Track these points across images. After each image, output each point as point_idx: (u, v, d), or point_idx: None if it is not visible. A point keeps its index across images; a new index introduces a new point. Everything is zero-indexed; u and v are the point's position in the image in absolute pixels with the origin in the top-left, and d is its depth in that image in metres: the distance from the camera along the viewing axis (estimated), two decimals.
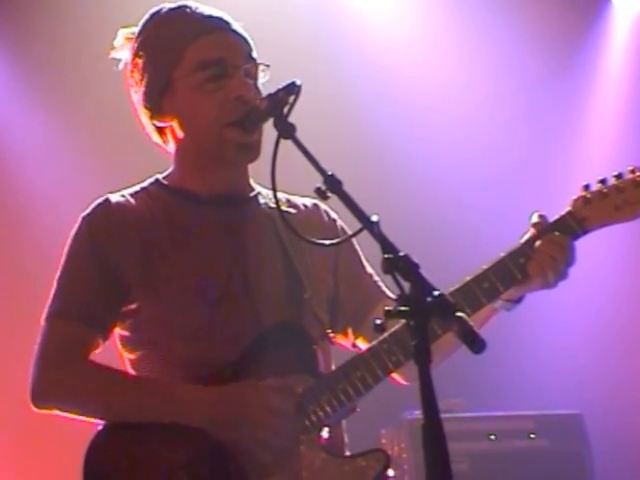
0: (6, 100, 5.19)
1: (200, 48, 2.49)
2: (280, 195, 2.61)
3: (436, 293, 1.87)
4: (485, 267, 2.39)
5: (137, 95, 2.58)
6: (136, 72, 2.56)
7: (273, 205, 2.38)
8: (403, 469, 4.48)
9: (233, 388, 2.40)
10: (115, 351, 2.58)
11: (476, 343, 1.86)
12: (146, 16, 2.60)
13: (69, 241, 2.56)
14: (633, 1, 5.75)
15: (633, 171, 2.37)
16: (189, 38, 2.50)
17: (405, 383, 2.63)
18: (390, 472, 2.43)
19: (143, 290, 2.48)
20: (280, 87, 2.27)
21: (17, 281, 4.98)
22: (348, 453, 2.52)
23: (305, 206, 2.66)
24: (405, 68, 5.50)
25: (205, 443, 2.37)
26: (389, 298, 2.54)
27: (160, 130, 2.59)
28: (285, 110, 2.23)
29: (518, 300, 2.46)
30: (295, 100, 2.22)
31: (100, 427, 2.44)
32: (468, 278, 2.39)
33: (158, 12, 2.59)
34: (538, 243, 2.37)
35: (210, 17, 2.54)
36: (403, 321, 2.06)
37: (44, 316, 2.52)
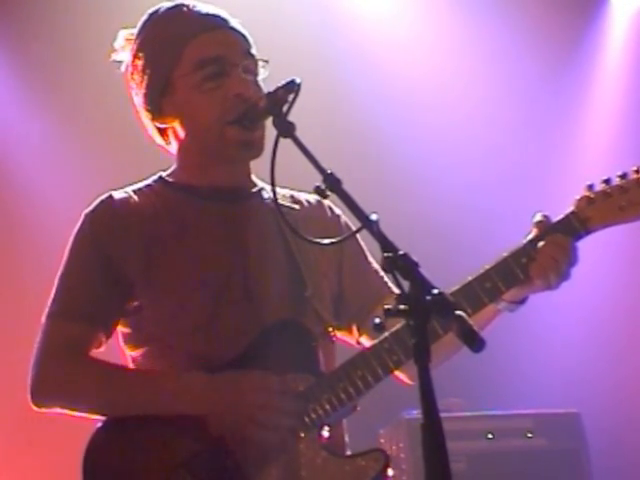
0: (5, 100, 5.19)
1: (198, 47, 2.49)
2: (284, 191, 2.63)
3: (435, 292, 1.87)
4: (487, 267, 2.39)
5: (138, 97, 2.58)
6: (136, 74, 2.57)
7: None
8: (401, 469, 4.48)
9: (232, 374, 2.40)
10: (117, 350, 2.58)
11: (475, 342, 1.86)
12: (144, 16, 2.60)
13: (71, 238, 2.55)
14: (631, 1, 5.76)
15: (637, 171, 2.35)
16: (186, 37, 2.50)
17: (409, 382, 2.62)
18: (390, 472, 2.43)
19: (145, 287, 2.48)
20: (280, 85, 2.26)
21: (18, 280, 4.98)
22: (349, 453, 2.52)
23: (309, 202, 2.66)
24: (404, 67, 5.51)
25: (204, 440, 2.36)
26: (394, 294, 2.53)
27: (162, 131, 2.60)
28: (285, 109, 2.23)
29: (521, 302, 2.45)
30: (295, 99, 2.22)
31: (99, 424, 2.43)
32: (470, 278, 2.39)
33: (156, 12, 2.59)
34: (540, 244, 2.37)
35: (207, 15, 2.54)
36: (403, 320, 2.08)
37: (45, 314, 2.52)
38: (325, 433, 2.42)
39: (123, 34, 2.63)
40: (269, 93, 2.31)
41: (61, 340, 2.48)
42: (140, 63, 2.55)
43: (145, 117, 2.59)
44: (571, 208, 2.38)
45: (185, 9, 2.55)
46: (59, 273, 2.54)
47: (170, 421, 2.38)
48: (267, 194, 2.61)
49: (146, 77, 2.54)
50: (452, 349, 2.40)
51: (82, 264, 2.53)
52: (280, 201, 2.37)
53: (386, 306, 1.89)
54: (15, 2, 5.22)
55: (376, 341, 2.42)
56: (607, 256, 5.22)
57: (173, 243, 2.51)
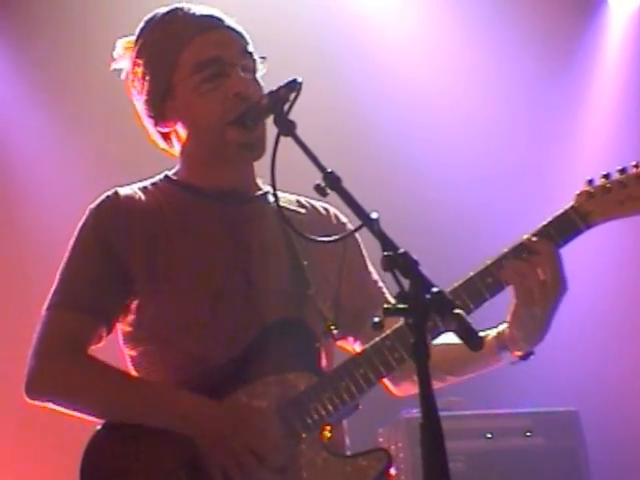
0: (8, 99, 5.19)
1: (195, 49, 2.49)
2: (290, 197, 2.64)
3: (435, 290, 1.87)
4: (488, 262, 2.39)
5: (139, 104, 2.59)
6: (136, 81, 2.57)
7: (282, 203, 2.38)
8: (400, 468, 4.47)
9: (230, 406, 2.38)
10: (117, 349, 2.58)
11: (474, 340, 1.87)
12: (141, 23, 2.60)
13: (75, 232, 2.55)
14: (629, 1, 5.76)
15: (637, 166, 2.36)
16: (183, 41, 2.50)
17: (396, 393, 2.63)
18: (392, 471, 2.42)
19: (146, 283, 2.47)
20: (281, 84, 2.27)
21: (18, 277, 4.98)
22: (349, 453, 2.52)
23: (315, 208, 2.66)
24: (405, 67, 5.51)
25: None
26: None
27: (165, 136, 2.60)
28: (286, 107, 2.23)
29: (525, 357, 2.43)
30: (296, 97, 2.22)
31: (98, 427, 2.43)
32: (472, 273, 2.38)
33: (152, 18, 2.59)
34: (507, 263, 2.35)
35: (202, 17, 2.54)
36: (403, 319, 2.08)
37: (45, 306, 2.51)
38: (326, 433, 2.42)
39: (121, 42, 2.63)
40: (271, 92, 2.32)
41: (61, 331, 2.47)
42: (139, 70, 2.55)
43: (147, 123, 2.60)
44: (571, 203, 2.38)
45: (180, 13, 2.55)
46: (61, 266, 2.53)
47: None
48: (272, 197, 2.61)
49: (146, 83, 2.54)
50: (478, 365, 2.43)
51: (85, 258, 2.52)
52: (286, 205, 2.37)
53: (385, 305, 1.90)
54: (20, 2, 5.22)
55: (377, 338, 2.41)
56: (606, 254, 5.23)
57: (176, 241, 2.51)
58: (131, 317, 2.51)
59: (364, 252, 2.66)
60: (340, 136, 5.16)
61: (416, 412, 4.46)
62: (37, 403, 2.47)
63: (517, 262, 2.34)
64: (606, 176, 2.38)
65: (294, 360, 2.43)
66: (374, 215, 2.04)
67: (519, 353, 2.42)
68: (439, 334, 2.26)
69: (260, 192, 2.63)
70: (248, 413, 2.38)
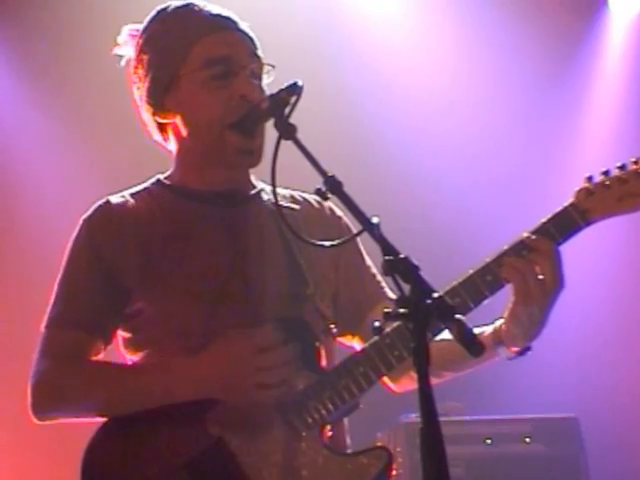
0: (8, 102, 5.18)
1: (208, 46, 2.50)
2: (284, 191, 2.63)
3: (436, 295, 1.87)
4: (488, 260, 2.38)
5: (140, 91, 2.58)
6: (140, 68, 2.56)
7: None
8: (399, 473, 4.47)
9: (213, 346, 2.39)
10: (117, 353, 2.58)
11: (474, 346, 1.87)
12: (152, 13, 2.60)
13: (69, 244, 2.55)
14: (630, 5, 5.76)
15: (636, 162, 2.36)
16: (196, 35, 2.50)
17: (396, 390, 2.62)
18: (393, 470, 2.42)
19: (143, 291, 2.47)
20: (282, 88, 2.27)
21: (18, 283, 4.98)
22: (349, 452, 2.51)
23: (309, 202, 2.66)
24: (405, 72, 5.52)
25: (205, 441, 2.35)
26: (390, 300, 2.53)
27: (161, 127, 2.59)
28: (286, 111, 2.23)
29: (522, 352, 2.43)
30: (297, 101, 2.22)
31: (99, 426, 2.42)
32: (471, 271, 2.38)
33: (165, 9, 2.59)
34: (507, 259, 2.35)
35: (217, 16, 2.55)
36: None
37: (44, 324, 2.51)
38: (327, 432, 2.42)
39: (127, 29, 2.63)
40: (271, 95, 2.32)
41: (60, 349, 2.48)
42: (146, 58, 2.55)
43: (146, 111, 2.59)
44: (570, 200, 2.37)
45: (195, 8, 2.56)
46: (57, 280, 2.54)
47: (170, 422, 2.37)
48: (267, 195, 2.61)
49: (151, 72, 2.54)
50: (475, 360, 2.42)
51: (80, 271, 2.52)
52: (280, 201, 2.36)
53: (386, 309, 1.89)
54: (20, 4, 5.22)
55: (377, 337, 2.40)
56: (604, 259, 5.23)
57: (171, 247, 2.50)
58: (130, 323, 2.51)
59: (361, 247, 2.66)
60: (338, 140, 5.16)
61: (415, 417, 4.50)
62: (47, 422, 2.49)
63: (516, 259, 2.34)
64: (605, 173, 2.38)
65: (294, 359, 2.42)
66: (375, 220, 2.03)
67: (516, 349, 2.42)
68: (440, 332, 2.25)
69: (255, 190, 2.62)
70: (232, 338, 2.39)
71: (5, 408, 4.72)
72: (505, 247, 2.37)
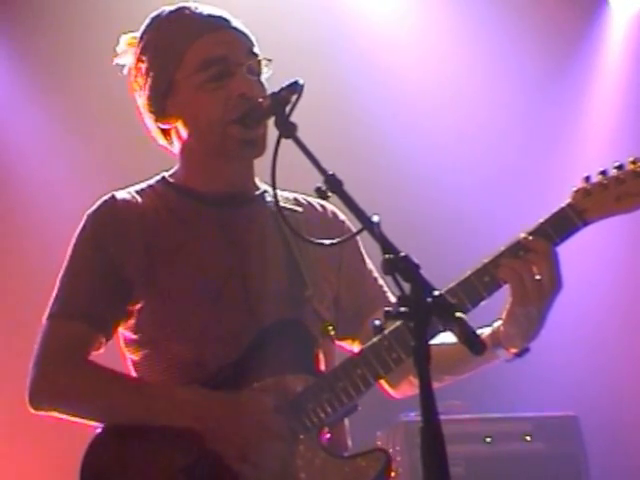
0: (8, 99, 5.18)
1: (201, 47, 2.49)
2: (287, 194, 2.63)
3: (436, 294, 1.86)
4: (485, 260, 2.38)
5: (141, 99, 2.59)
6: (139, 76, 2.57)
7: (280, 203, 2.37)
8: (398, 471, 4.47)
9: (233, 398, 2.39)
10: (117, 351, 2.57)
11: (476, 345, 1.86)
12: (147, 20, 2.61)
13: (74, 239, 2.55)
14: (630, 1, 5.75)
15: (634, 162, 2.35)
16: (190, 38, 2.50)
17: (394, 395, 2.62)
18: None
19: (144, 289, 2.47)
20: (283, 86, 2.27)
21: (19, 279, 4.97)
22: (348, 453, 2.51)
23: (312, 206, 2.66)
24: (404, 68, 5.51)
25: (202, 450, 2.35)
26: (391, 304, 2.52)
27: (165, 132, 2.60)
28: (287, 109, 2.23)
29: (520, 354, 2.42)
30: (297, 99, 2.22)
31: (98, 431, 2.42)
32: (469, 272, 2.38)
33: (158, 15, 2.60)
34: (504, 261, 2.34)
35: (210, 16, 2.55)
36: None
37: (45, 315, 2.51)
38: (325, 434, 2.41)
39: (125, 38, 2.63)
40: (272, 93, 2.31)
41: (61, 341, 2.47)
42: (143, 65, 2.56)
43: (148, 118, 2.60)
44: (568, 200, 2.37)
45: (187, 11, 2.56)
46: (61, 274, 2.54)
47: (169, 429, 2.37)
48: (270, 197, 2.60)
49: (149, 79, 2.54)
50: (474, 364, 2.42)
51: (84, 265, 2.52)
52: (283, 204, 2.36)
53: (386, 308, 1.89)
54: (20, 2, 5.21)
55: (375, 339, 2.40)
56: (605, 258, 5.23)
57: (173, 246, 2.50)
58: (131, 321, 2.51)
59: (362, 250, 2.66)
60: (336, 137, 5.15)
61: (414, 415, 4.50)
62: (41, 413, 2.48)
63: (513, 260, 2.33)
64: (603, 173, 2.37)
65: (292, 362, 2.43)
66: (375, 218, 2.03)
67: (514, 350, 2.41)
68: (437, 334, 2.25)
69: (258, 192, 2.62)
70: (251, 403, 2.38)
71: (4, 411, 4.71)
72: (502, 248, 2.37)
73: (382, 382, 2.53)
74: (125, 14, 4.39)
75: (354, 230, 2.56)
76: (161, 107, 2.54)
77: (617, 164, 2.37)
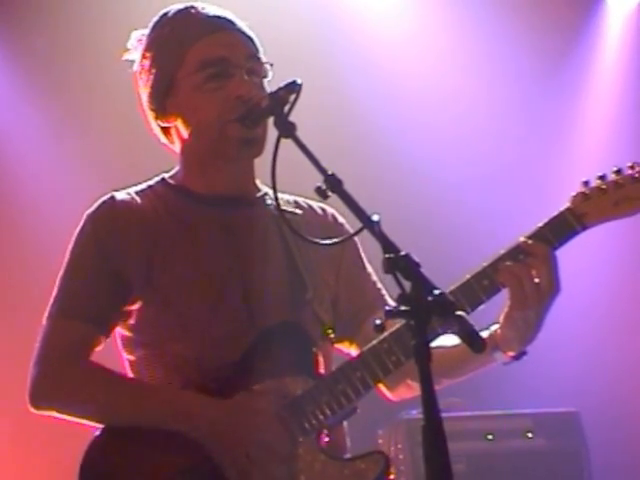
0: (5, 98, 5.17)
1: (202, 48, 2.50)
2: (288, 197, 2.63)
3: (437, 292, 1.86)
4: (485, 264, 2.38)
5: (144, 96, 2.60)
6: (143, 73, 2.58)
7: (280, 205, 2.37)
8: (400, 470, 4.47)
9: (233, 406, 2.39)
10: (115, 351, 2.58)
11: (477, 342, 1.87)
12: (155, 18, 2.62)
13: (73, 239, 2.55)
14: None
15: (632, 167, 2.35)
16: (192, 39, 2.51)
17: (392, 399, 2.62)
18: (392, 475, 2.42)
19: (144, 290, 2.47)
20: (281, 86, 2.27)
21: (19, 280, 4.97)
22: (348, 455, 2.50)
23: (312, 209, 2.66)
24: (403, 66, 5.51)
25: (201, 454, 2.36)
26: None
27: (165, 131, 2.60)
28: (286, 109, 2.23)
29: (517, 357, 2.42)
30: (296, 99, 2.22)
31: (97, 432, 2.42)
32: (468, 275, 2.38)
33: (166, 14, 2.61)
34: (504, 265, 2.34)
35: (214, 17, 2.55)
36: (404, 321, 2.07)
37: (46, 315, 2.52)
38: (324, 437, 2.41)
39: (136, 35, 2.64)
40: (270, 93, 2.31)
41: (61, 341, 2.48)
42: (147, 63, 2.57)
43: (150, 116, 2.61)
44: (567, 204, 2.37)
45: (193, 11, 2.57)
46: (60, 274, 2.54)
47: (168, 431, 2.37)
48: (270, 199, 2.60)
49: (152, 76, 2.55)
50: (474, 367, 2.42)
51: (83, 265, 2.53)
52: (283, 206, 2.36)
53: (387, 307, 1.89)
54: (18, 1, 5.21)
55: (375, 342, 2.40)
56: (605, 255, 5.23)
57: (173, 248, 2.51)
58: (130, 322, 2.51)
59: (362, 253, 2.66)
60: (336, 136, 5.15)
61: (416, 413, 4.50)
62: (41, 413, 2.48)
63: (513, 264, 2.34)
64: (602, 177, 2.38)
65: (291, 364, 2.43)
66: (375, 217, 2.03)
67: (512, 353, 2.41)
68: (436, 337, 2.25)
69: (259, 194, 2.62)
70: (250, 412, 2.38)
71: (4, 413, 4.71)
72: (501, 251, 2.37)
73: (380, 385, 2.52)
74: (122, 14, 4.39)
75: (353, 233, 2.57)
76: (162, 105, 2.55)
77: (616, 168, 2.37)
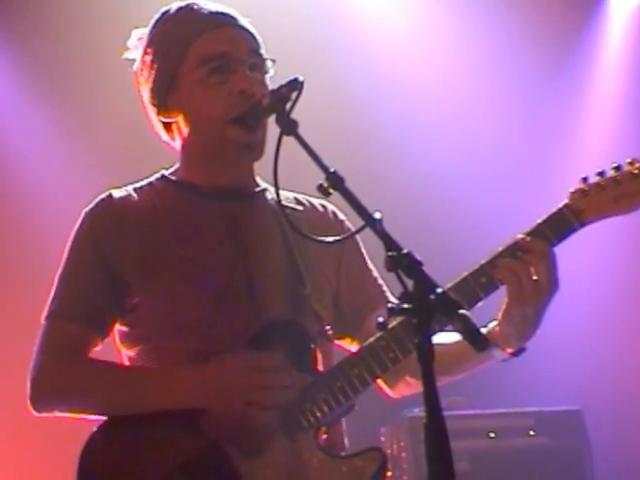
0: (8, 98, 5.17)
1: (204, 43, 2.50)
2: (288, 194, 2.63)
3: (439, 290, 1.86)
4: (483, 261, 2.37)
5: (145, 92, 2.60)
6: (145, 69, 2.58)
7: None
8: (402, 468, 4.47)
9: (216, 359, 2.39)
10: (114, 348, 2.58)
11: (479, 341, 1.86)
12: (156, 15, 2.62)
13: (71, 237, 2.56)
14: None
15: (631, 163, 2.34)
16: (194, 34, 2.51)
17: (391, 395, 2.62)
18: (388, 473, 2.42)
19: (143, 286, 2.47)
20: (283, 83, 2.26)
21: (19, 278, 4.97)
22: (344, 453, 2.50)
23: (313, 205, 2.66)
24: (405, 64, 5.51)
25: (201, 442, 2.36)
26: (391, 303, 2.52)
27: (167, 127, 2.60)
28: (287, 106, 2.22)
29: (517, 353, 2.41)
30: (298, 96, 2.21)
31: (96, 427, 2.42)
32: (466, 273, 2.37)
33: (167, 10, 2.61)
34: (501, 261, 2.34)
35: (216, 13, 2.56)
36: (402, 318, 2.06)
37: (44, 315, 2.53)
38: (322, 434, 2.41)
39: (136, 33, 2.65)
40: (272, 91, 2.31)
41: (59, 342, 2.49)
42: (149, 58, 2.57)
43: (151, 112, 2.61)
44: (565, 201, 2.36)
45: (195, 7, 2.57)
46: (58, 272, 2.55)
47: (167, 423, 2.37)
48: (270, 195, 2.61)
49: (153, 72, 2.56)
50: (474, 364, 2.42)
51: (81, 264, 2.53)
52: (283, 203, 2.36)
53: (390, 305, 1.89)
54: (20, 1, 5.21)
55: (372, 339, 2.41)
56: (607, 252, 5.22)
57: (172, 243, 2.51)
58: (128, 317, 2.51)
59: (363, 250, 2.66)
60: (339, 134, 5.15)
61: (418, 411, 4.49)
62: (44, 415, 2.49)
63: (511, 261, 2.33)
64: (601, 174, 2.36)
65: (289, 361, 2.42)
66: (377, 215, 2.02)
67: (510, 350, 2.41)
68: (435, 334, 2.25)
69: (258, 189, 2.62)
70: (234, 355, 2.39)
71: (3, 408, 4.71)
72: (500, 248, 2.37)
73: (379, 382, 2.53)
74: (124, 14, 4.39)
75: (354, 230, 2.56)
76: (163, 101, 2.55)
77: (615, 165, 2.36)
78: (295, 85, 2.23)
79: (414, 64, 5.51)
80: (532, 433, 4.61)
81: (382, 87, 5.45)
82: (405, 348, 2.34)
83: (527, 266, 2.32)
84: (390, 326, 2.33)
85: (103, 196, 2.57)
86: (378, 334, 2.37)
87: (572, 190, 2.37)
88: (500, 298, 2.38)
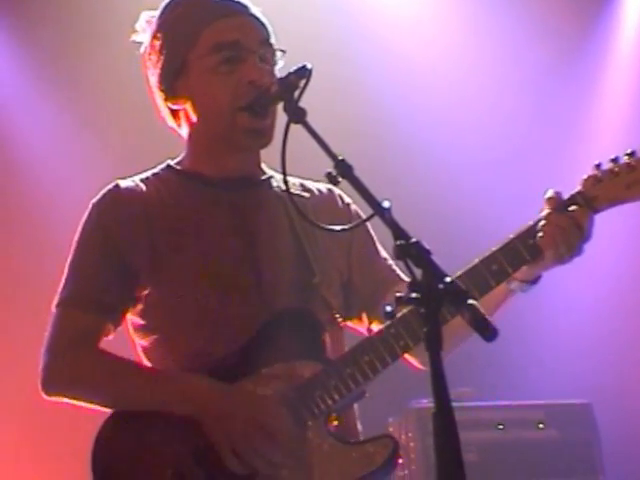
0: (16, 91, 5.17)
1: (216, 30, 2.49)
2: (294, 180, 2.62)
3: (448, 280, 1.85)
4: (494, 249, 2.37)
5: (153, 77, 2.59)
6: (153, 54, 2.57)
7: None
8: (410, 458, 4.46)
9: (238, 391, 2.39)
10: (127, 338, 2.58)
11: (488, 330, 1.84)
12: (166, 0, 2.60)
13: (79, 228, 2.56)
14: None
15: None
16: (206, 20, 2.50)
17: (421, 367, 2.60)
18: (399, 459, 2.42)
19: (152, 276, 2.47)
20: (291, 71, 2.26)
21: (27, 268, 4.98)
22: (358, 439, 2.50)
23: (319, 191, 2.65)
24: (414, 52, 5.49)
25: (206, 436, 2.36)
26: (404, 281, 2.51)
27: (174, 113, 2.59)
28: (296, 94, 2.21)
29: (534, 281, 2.42)
30: (306, 84, 2.21)
31: (106, 419, 2.43)
32: (477, 260, 2.37)
33: None
34: (550, 215, 2.34)
35: (228, 1, 2.54)
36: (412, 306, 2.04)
37: (55, 303, 2.53)
38: (333, 421, 2.41)
39: (145, 16, 2.63)
40: (280, 79, 2.30)
41: (71, 329, 2.49)
42: (158, 43, 2.56)
43: (158, 97, 2.60)
44: (578, 187, 2.35)
45: None
46: (68, 262, 2.55)
47: (175, 416, 2.38)
48: (276, 182, 2.60)
49: (162, 57, 2.55)
50: (464, 334, 2.38)
51: (90, 253, 2.53)
52: (290, 189, 2.35)
53: (398, 294, 1.88)
54: None
55: (383, 326, 2.41)
56: (617, 244, 5.19)
57: (180, 232, 2.51)
58: (140, 307, 2.51)
59: (371, 231, 2.65)
60: (347, 122, 5.14)
61: (426, 402, 4.48)
62: (53, 399, 2.50)
63: (558, 215, 2.32)
64: (614, 160, 2.35)
65: (300, 349, 2.42)
66: (386, 203, 2.01)
67: (530, 278, 2.40)
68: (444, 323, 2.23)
69: (265, 177, 2.62)
70: (254, 398, 2.39)
71: (15, 402, 4.72)
72: (511, 235, 2.36)
73: (407, 357, 2.51)
74: (133, 4, 4.37)
75: (361, 212, 2.57)
76: (172, 86, 2.54)
77: (629, 151, 2.34)
78: (303, 73, 2.22)
79: (423, 51, 5.49)
80: (541, 426, 4.60)
81: (391, 74, 5.43)
82: (416, 336, 2.34)
83: (569, 220, 2.32)
84: (401, 313, 2.34)
85: (110, 186, 2.57)
86: (388, 322, 2.37)
87: (585, 177, 2.35)
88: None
